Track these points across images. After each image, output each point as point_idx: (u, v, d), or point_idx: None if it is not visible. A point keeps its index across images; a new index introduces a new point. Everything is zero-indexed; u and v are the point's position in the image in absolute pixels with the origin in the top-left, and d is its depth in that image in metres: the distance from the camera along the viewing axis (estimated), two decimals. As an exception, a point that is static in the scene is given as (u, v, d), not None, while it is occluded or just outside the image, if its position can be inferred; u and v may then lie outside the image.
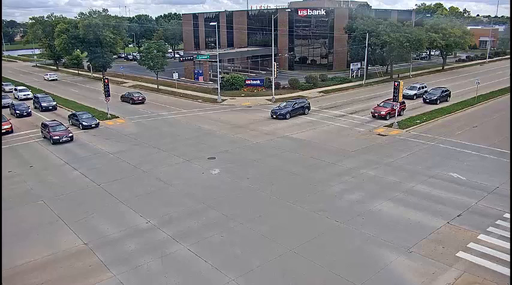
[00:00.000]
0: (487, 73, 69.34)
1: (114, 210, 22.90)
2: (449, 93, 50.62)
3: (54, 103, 50.79)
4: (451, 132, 36.74)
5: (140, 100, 53.26)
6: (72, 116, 42.43)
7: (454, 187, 24.77)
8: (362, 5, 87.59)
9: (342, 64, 78.58)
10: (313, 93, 57.11)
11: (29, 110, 47.07)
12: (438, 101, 48.13)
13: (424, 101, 48.61)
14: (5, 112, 46.39)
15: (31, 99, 55.41)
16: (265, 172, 28.03)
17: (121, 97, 55.24)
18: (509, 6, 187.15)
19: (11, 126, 39.38)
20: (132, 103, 52.84)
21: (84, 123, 40.28)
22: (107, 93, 43.68)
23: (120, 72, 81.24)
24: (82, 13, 73.85)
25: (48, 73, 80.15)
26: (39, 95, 52.58)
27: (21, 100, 56.00)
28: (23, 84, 68.67)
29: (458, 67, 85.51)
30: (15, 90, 60.19)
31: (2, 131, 36.82)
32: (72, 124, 41.18)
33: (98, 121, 41.47)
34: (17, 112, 46.21)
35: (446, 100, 49.30)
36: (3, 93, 56.69)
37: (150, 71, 64.23)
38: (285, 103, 45.22)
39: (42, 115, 46.22)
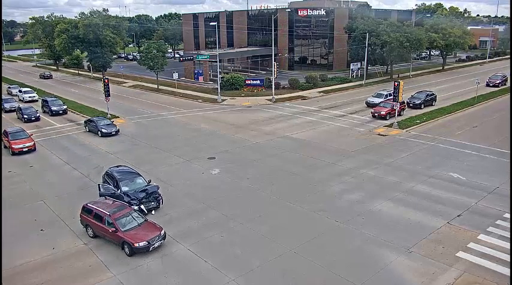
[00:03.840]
0: (487, 73, 69.27)
1: (114, 210, 22.85)
2: (435, 97, 48.11)
3: (65, 107, 47.79)
4: (451, 132, 36.74)
5: (48, 76, 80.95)
6: (88, 122, 39.52)
7: (454, 187, 24.77)
8: (362, 5, 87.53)
9: (342, 64, 78.56)
10: (313, 93, 57.10)
11: (37, 114, 44.40)
12: (422, 105, 45.81)
13: (408, 105, 45.70)
14: (12, 116, 45.80)
15: (36, 101, 54.86)
16: (265, 172, 28.03)
17: (40, 75, 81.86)
18: (509, 6, 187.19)
19: (34, 144, 33.50)
20: (44, 78, 79.36)
21: (103, 130, 37.34)
22: (107, 93, 43.57)
23: (120, 72, 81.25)
24: (83, 13, 74.16)
25: None
26: (48, 98, 49.19)
27: (26, 102, 54.68)
28: (23, 84, 68.60)
29: (458, 67, 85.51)
30: (20, 91, 58.69)
31: (24, 149, 32.56)
32: (89, 131, 38.95)
33: (118, 128, 38.35)
34: (25, 116, 43.38)
35: (432, 105, 46.94)
36: (9, 97, 56.27)
37: (150, 71, 64.20)
38: None
39: (52, 120, 44.63)
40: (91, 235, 19.90)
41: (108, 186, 23.12)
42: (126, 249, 18.30)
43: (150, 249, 18.31)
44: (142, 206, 21.63)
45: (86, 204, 20.52)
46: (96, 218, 19.43)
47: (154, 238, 18.43)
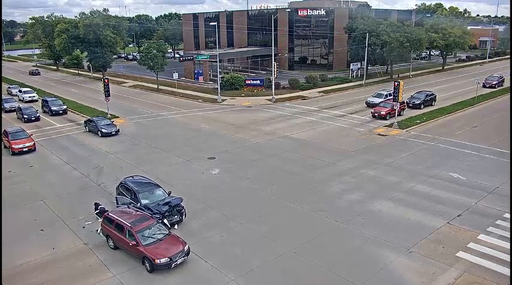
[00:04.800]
0: (487, 73, 69.26)
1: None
2: (435, 97, 48.03)
3: (65, 107, 47.72)
4: (451, 132, 36.74)
5: (37, 73, 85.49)
6: (88, 122, 39.47)
7: (454, 187, 24.78)
8: (362, 5, 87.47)
9: (342, 64, 78.58)
10: (313, 93, 57.10)
11: (37, 114, 44.37)
12: (422, 105, 45.72)
13: (407, 105, 45.52)
14: (12, 116, 45.72)
15: (36, 101, 54.80)
16: (265, 172, 28.03)
17: (29, 72, 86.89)
18: (509, 6, 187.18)
19: (34, 144, 33.45)
20: (33, 75, 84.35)
21: (103, 130, 37.31)
22: (107, 93, 43.54)
23: (120, 72, 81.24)
24: (83, 13, 74.17)
25: None
26: (48, 98, 49.11)
27: (26, 102, 54.54)
28: (23, 84, 68.56)
29: (458, 67, 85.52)
30: (20, 91, 58.47)
31: (24, 149, 32.52)
32: (89, 131, 38.93)
33: (118, 128, 38.34)
34: (25, 116, 43.35)
35: (431, 105, 46.88)
36: (9, 97, 56.24)
37: (150, 71, 64.23)
38: None
39: (52, 120, 44.51)
40: (112, 247, 18.78)
41: (125, 199, 21.74)
42: (147, 265, 17.07)
43: (172, 266, 16.90)
44: (165, 221, 19.83)
45: (108, 213, 19.33)
46: (117, 229, 18.24)
47: (177, 254, 17.07)
